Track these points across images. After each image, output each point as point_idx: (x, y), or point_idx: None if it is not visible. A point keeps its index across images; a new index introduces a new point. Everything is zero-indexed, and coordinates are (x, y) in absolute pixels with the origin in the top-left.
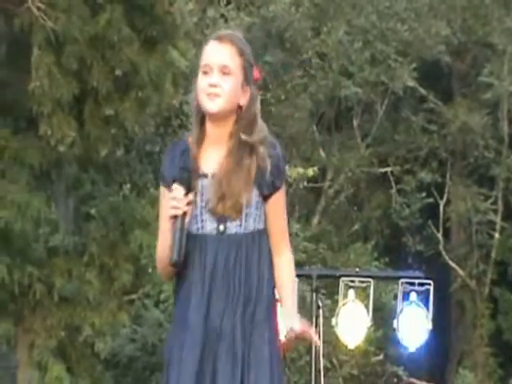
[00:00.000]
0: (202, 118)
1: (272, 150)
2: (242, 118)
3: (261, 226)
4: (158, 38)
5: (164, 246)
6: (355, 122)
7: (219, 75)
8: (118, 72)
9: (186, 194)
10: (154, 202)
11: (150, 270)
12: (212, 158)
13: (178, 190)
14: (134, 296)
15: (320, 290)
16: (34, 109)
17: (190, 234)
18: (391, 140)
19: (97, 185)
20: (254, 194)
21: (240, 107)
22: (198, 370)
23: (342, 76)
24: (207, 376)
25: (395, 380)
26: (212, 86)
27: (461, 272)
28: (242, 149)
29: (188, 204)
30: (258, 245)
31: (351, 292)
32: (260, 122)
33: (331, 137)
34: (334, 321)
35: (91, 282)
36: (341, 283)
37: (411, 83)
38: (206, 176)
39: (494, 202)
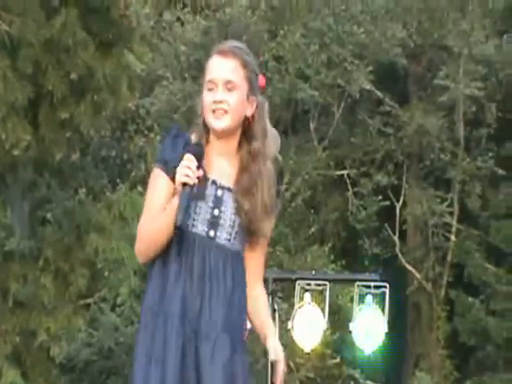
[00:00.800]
0: (207, 129)
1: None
2: (253, 130)
3: (242, 251)
4: (113, 41)
5: (152, 227)
6: (312, 125)
7: (224, 91)
8: (73, 76)
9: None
10: (110, 207)
11: (106, 274)
12: (221, 167)
13: (191, 159)
14: (89, 300)
15: (276, 294)
16: None
17: (180, 227)
18: (348, 143)
19: (52, 189)
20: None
21: (247, 118)
22: (180, 364)
23: (299, 79)
24: (191, 375)
25: (352, 383)
26: (217, 102)
27: (417, 274)
28: (265, 165)
29: (198, 178)
30: (242, 266)
31: (307, 295)
32: (272, 131)
33: (288, 140)
34: (290, 324)
35: (46, 287)
36: (297, 286)
37: (367, 86)
38: (222, 187)
39: (450, 205)
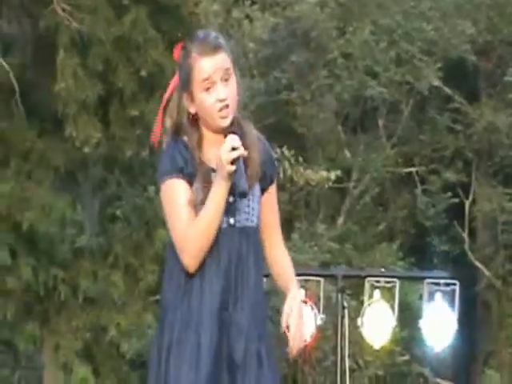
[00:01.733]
0: (195, 123)
1: (261, 138)
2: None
3: (258, 222)
4: (182, 39)
5: (205, 229)
6: (380, 122)
7: (222, 85)
8: (143, 73)
9: (190, 185)
10: None
11: None
12: (216, 154)
13: (234, 137)
14: (159, 296)
15: (345, 291)
16: (60, 110)
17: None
18: (416, 140)
19: (122, 186)
20: (256, 189)
21: None
22: (214, 359)
23: (368, 76)
24: (224, 369)
25: (421, 380)
26: (222, 100)
27: (486, 272)
28: (243, 137)
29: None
30: (258, 239)
31: (377, 292)
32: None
33: (356, 137)
34: (359, 321)
35: (116, 283)
36: (366, 283)
37: (436, 83)
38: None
39: None
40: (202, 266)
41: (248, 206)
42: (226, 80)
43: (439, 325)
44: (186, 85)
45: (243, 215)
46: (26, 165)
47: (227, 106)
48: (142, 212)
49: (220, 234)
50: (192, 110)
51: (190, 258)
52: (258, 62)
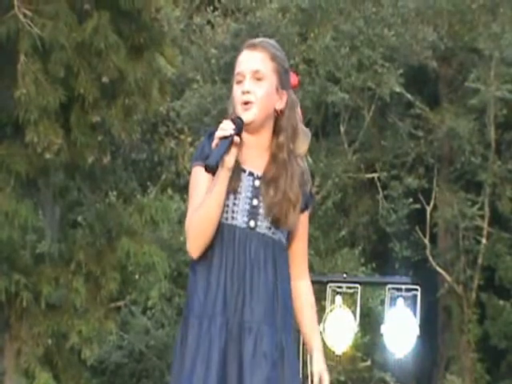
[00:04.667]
0: None
1: (307, 172)
2: (282, 124)
3: (285, 242)
4: (144, 44)
5: (200, 214)
6: (342, 128)
7: (252, 81)
8: (104, 79)
9: (214, 172)
10: (141, 210)
11: (136, 277)
12: (254, 159)
13: (227, 122)
14: (120, 303)
15: None
16: (21, 116)
17: (220, 222)
18: (378, 146)
19: (83, 192)
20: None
21: (278, 112)
22: (222, 361)
23: (329, 82)
24: (233, 369)
25: None
26: (244, 92)
27: (448, 277)
28: (290, 159)
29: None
30: (285, 255)
31: (338, 298)
32: (303, 129)
33: (318, 143)
34: (321, 327)
35: (78, 290)
36: (328, 289)
37: (398, 89)
38: (259, 177)
39: (481, 208)
40: (216, 262)
41: (269, 216)
42: (258, 80)
43: (401, 330)
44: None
45: (265, 223)
46: None
47: (249, 103)
48: (104, 219)
49: (235, 233)
50: (230, 109)
51: (190, 242)
52: (219, 68)
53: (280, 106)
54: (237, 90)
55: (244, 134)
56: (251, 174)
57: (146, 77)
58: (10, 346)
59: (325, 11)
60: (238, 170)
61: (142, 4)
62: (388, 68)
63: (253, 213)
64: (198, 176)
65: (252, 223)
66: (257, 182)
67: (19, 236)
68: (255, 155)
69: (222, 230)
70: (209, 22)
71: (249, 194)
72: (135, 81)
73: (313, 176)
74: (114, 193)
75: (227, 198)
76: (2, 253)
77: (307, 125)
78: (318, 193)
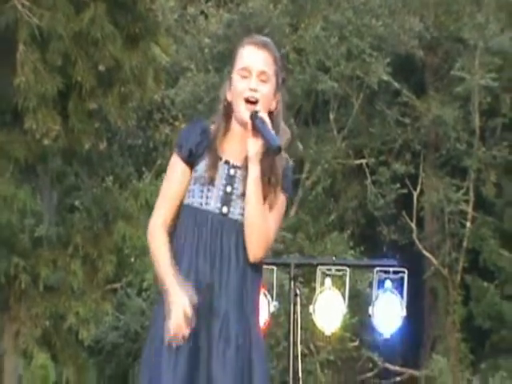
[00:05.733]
0: (229, 113)
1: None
2: (272, 121)
3: None
4: (140, 34)
5: (152, 259)
6: (331, 116)
7: (257, 81)
8: (101, 67)
9: (191, 167)
10: (137, 195)
11: (132, 260)
12: (236, 149)
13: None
14: (117, 285)
15: (298, 279)
16: (20, 103)
17: (191, 206)
18: (366, 132)
19: (80, 177)
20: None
21: (270, 112)
22: (193, 343)
23: (319, 70)
24: (202, 353)
25: (370, 365)
26: (252, 90)
27: (434, 260)
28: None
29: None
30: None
31: (328, 280)
32: (284, 128)
33: (308, 129)
34: (311, 308)
35: (75, 272)
36: (318, 271)
37: (386, 77)
38: (234, 166)
39: (466, 193)
40: (188, 246)
41: (244, 202)
42: (263, 81)
43: (388, 311)
44: (231, 69)
45: (238, 209)
46: None
47: (255, 102)
48: (101, 203)
49: (208, 219)
50: (229, 97)
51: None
52: (213, 57)
53: (273, 106)
54: (242, 83)
55: (235, 125)
56: (227, 162)
57: (141, 65)
58: (8, 327)
59: (315, 2)
60: (215, 158)
61: None
62: (376, 57)
63: (226, 199)
64: (173, 166)
65: (225, 209)
66: (232, 171)
67: (18, 220)
68: (236, 145)
69: (195, 215)
70: (202, 12)
71: (223, 182)
72: (131, 69)
73: (303, 162)
74: (111, 178)
75: (202, 185)
76: (1, 236)
77: (298, 112)
78: (307, 178)
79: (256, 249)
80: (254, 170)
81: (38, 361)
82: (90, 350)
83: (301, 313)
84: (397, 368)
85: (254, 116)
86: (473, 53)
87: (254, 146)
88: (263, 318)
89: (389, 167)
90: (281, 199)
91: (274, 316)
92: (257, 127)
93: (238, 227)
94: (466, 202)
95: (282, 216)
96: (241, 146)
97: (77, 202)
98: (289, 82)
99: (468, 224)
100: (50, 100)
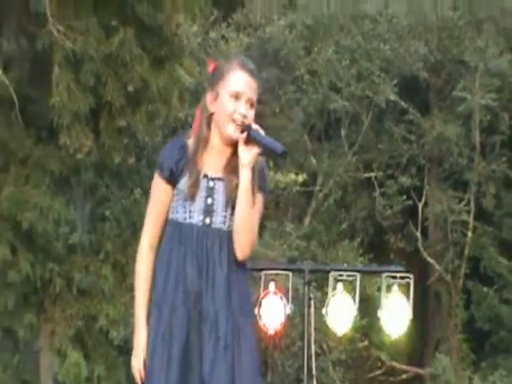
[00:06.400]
0: (210, 123)
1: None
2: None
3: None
4: (166, 57)
5: (136, 271)
6: (343, 132)
7: (246, 106)
8: (130, 88)
9: (173, 186)
10: None
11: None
12: (215, 162)
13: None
14: None
15: (311, 283)
16: (55, 121)
17: (176, 221)
18: (375, 148)
19: (111, 189)
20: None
21: None
22: (184, 349)
23: (331, 90)
24: (194, 357)
25: (379, 364)
26: (242, 116)
27: (437, 267)
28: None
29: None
30: (232, 243)
31: (339, 285)
32: None
33: (321, 145)
34: (324, 311)
35: (106, 277)
36: (330, 277)
37: (393, 97)
38: (213, 178)
39: (467, 204)
40: (175, 258)
41: (225, 210)
42: (251, 106)
43: (395, 314)
44: (216, 83)
45: (219, 218)
46: (24, 170)
47: (243, 124)
48: (129, 213)
49: (193, 231)
50: (212, 109)
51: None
52: None
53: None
54: (231, 104)
55: (214, 138)
56: (205, 175)
57: (166, 86)
58: (44, 328)
59: (327, 28)
60: (196, 173)
61: (164, 20)
62: (384, 78)
63: (208, 211)
64: (155, 187)
65: (207, 220)
66: (211, 183)
67: (53, 229)
68: (215, 158)
69: (180, 229)
70: (223, 36)
71: (204, 194)
72: (157, 89)
73: (316, 175)
74: (139, 190)
75: (185, 200)
76: (38, 244)
77: (311, 129)
78: (320, 190)
79: (245, 248)
80: (247, 177)
81: (72, 359)
82: (119, 349)
83: (314, 315)
84: (403, 366)
85: (248, 128)
86: (474, 74)
87: (248, 155)
88: (279, 320)
89: (396, 180)
90: (259, 198)
91: (289, 318)
92: (255, 138)
93: (221, 234)
94: (468, 212)
95: (260, 214)
96: (219, 158)
97: (107, 212)
98: (303, 101)
99: (469, 233)
100: (83, 118)
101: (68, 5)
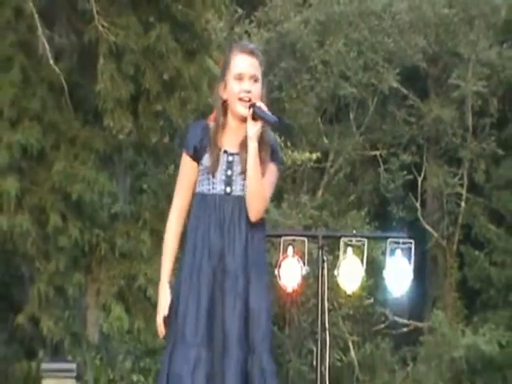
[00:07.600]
0: (225, 109)
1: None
2: None
3: None
4: (196, 49)
5: (166, 234)
6: (351, 115)
7: (250, 82)
8: (165, 76)
9: (198, 162)
10: None
11: None
12: (233, 140)
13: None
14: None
15: (324, 248)
16: (100, 105)
17: (202, 193)
18: (380, 129)
19: (148, 165)
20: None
21: None
22: (210, 301)
23: (341, 79)
24: (218, 308)
25: (383, 319)
26: (246, 91)
27: (435, 233)
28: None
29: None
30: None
31: (349, 249)
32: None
33: (332, 127)
34: (335, 272)
35: (144, 242)
36: (341, 242)
37: (395, 84)
38: (231, 153)
39: (461, 178)
40: (196, 225)
41: (243, 179)
42: (255, 81)
43: (398, 275)
44: (223, 74)
45: (238, 186)
46: (73, 149)
47: (249, 100)
48: (165, 186)
49: (215, 200)
50: (224, 96)
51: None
52: None
53: (262, 99)
54: (236, 86)
55: (230, 120)
56: (225, 151)
57: (197, 75)
58: (91, 286)
59: (338, 23)
60: (217, 150)
61: (195, 17)
62: (387, 68)
63: (228, 181)
64: (182, 164)
65: (228, 189)
66: (230, 158)
67: (98, 199)
68: (232, 137)
69: (205, 200)
70: (246, 31)
71: (224, 167)
72: (189, 78)
73: (328, 153)
74: (173, 166)
75: (208, 174)
76: (86, 212)
77: (324, 113)
78: (331, 166)
79: (256, 210)
80: (253, 147)
81: (115, 313)
82: (155, 305)
83: (327, 276)
84: (404, 321)
85: (253, 106)
86: (467, 64)
87: (253, 128)
88: (296, 280)
89: (398, 157)
90: (271, 168)
91: (305, 278)
92: (257, 114)
93: (240, 200)
94: (461, 185)
95: (274, 182)
96: (236, 137)
97: (145, 186)
98: (316, 88)
99: (462, 204)
100: (124, 103)
101: (111, 3)
